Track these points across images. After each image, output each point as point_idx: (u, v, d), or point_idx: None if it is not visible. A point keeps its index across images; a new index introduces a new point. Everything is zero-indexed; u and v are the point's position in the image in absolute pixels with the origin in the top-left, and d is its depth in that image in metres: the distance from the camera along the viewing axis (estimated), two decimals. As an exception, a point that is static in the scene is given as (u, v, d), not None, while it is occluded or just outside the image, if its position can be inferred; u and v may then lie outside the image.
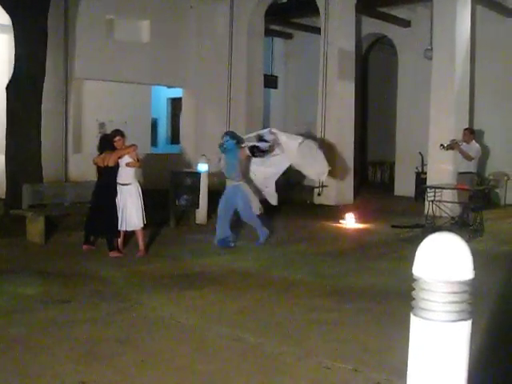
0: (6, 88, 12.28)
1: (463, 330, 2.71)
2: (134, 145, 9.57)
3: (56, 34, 14.90)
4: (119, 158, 9.38)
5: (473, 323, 2.76)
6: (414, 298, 2.80)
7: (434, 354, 2.72)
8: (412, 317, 2.82)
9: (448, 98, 14.56)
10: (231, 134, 10.83)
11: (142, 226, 9.52)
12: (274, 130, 11.15)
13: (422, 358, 2.77)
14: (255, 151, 10.63)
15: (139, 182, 9.77)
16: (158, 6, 18.41)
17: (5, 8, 12.51)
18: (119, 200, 9.38)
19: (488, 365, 4.98)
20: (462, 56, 14.66)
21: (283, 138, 10.98)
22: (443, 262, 2.65)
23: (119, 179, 9.43)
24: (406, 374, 2.90)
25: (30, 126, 12.26)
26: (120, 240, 9.57)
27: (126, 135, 9.73)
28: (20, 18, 12.11)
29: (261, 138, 10.85)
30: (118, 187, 9.43)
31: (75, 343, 5.48)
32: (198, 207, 12.44)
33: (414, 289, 2.80)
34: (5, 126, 12.33)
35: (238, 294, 7.42)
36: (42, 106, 12.53)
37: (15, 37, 12.25)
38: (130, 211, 9.42)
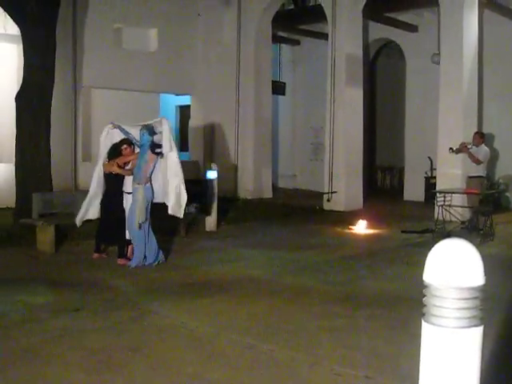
0: (16, 98, 12.33)
1: (475, 336, 2.71)
2: (135, 153, 9.50)
3: (64, 43, 14.97)
4: (120, 166, 9.38)
5: (484, 329, 2.75)
6: (425, 305, 2.80)
7: (446, 361, 2.71)
8: (423, 323, 2.81)
9: (456, 102, 14.53)
10: (150, 130, 9.26)
11: None
12: (164, 121, 9.37)
13: (434, 364, 2.76)
14: (155, 148, 9.20)
15: None
16: (165, 14, 18.48)
17: (13, 18, 12.57)
18: (126, 209, 9.37)
19: (500, 371, 4.96)
20: (469, 60, 14.63)
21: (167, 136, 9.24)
22: (454, 269, 2.65)
23: (124, 188, 9.42)
24: (417, 380, 2.89)
25: (40, 135, 12.30)
26: (130, 248, 9.57)
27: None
28: (28, 27, 12.16)
29: (152, 131, 9.23)
30: (124, 196, 9.44)
31: (87, 352, 5.49)
32: (207, 215, 12.44)
33: (424, 295, 2.80)
34: (14, 135, 12.38)
35: (248, 301, 7.41)
36: (51, 114, 12.58)
37: (24, 46, 12.31)
38: None
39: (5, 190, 13.77)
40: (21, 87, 12.37)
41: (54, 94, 12.64)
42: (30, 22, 12.11)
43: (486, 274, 2.72)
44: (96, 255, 9.76)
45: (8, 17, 13.03)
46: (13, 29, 13.84)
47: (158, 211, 9.37)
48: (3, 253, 10.06)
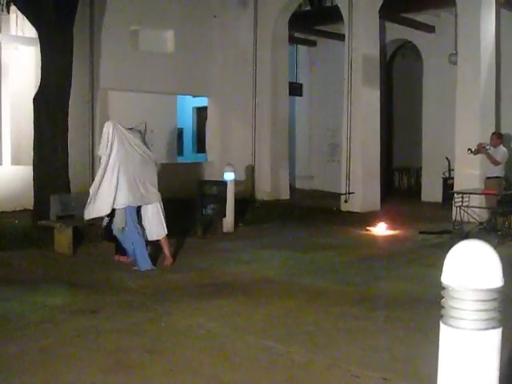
0: (34, 100, 12.39)
1: (493, 338, 2.69)
2: None
3: (81, 45, 15.04)
4: None
5: (503, 331, 2.72)
6: (443, 306, 2.78)
7: (464, 363, 2.69)
8: (441, 325, 2.80)
9: (474, 102, 14.44)
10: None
11: (165, 234, 9.47)
12: (105, 125, 9.13)
13: (452, 366, 2.74)
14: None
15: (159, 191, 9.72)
16: (181, 15, 18.52)
17: (31, 21, 12.64)
18: (141, 210, 9.36)
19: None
20: (487, 60, 14.52)
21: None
22: (472, 270, 2.63)
23: None
24: (435, 383, 2.87)
25: (57, 137, 12.34)
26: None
27: (153, 144, 9.72)
28: (46, 30, 12.22)
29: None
30: None
31: (103, 353, 5.51)
32: (224, 216, 12.44)
33: (442, 296, 2.78)
34: (32, 137, 12.44)
35: (265, 302, 7.40)
36: (69, 116, 12.63)
37: (41, 49, 12.36)
38: (152, 220, 9.37)
39: (23, 192, 13.84)
40: (38, 89, 12.43)
41: (71, 96, 12.69)
42: (48, 24, 12.16)
43: (504, 276, 2.70)
44: (117, 257, 9.74)
45: (26, 19, 13.10)
46: (30, 31, 13.91)
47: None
48: (21, 254, 10.13)
